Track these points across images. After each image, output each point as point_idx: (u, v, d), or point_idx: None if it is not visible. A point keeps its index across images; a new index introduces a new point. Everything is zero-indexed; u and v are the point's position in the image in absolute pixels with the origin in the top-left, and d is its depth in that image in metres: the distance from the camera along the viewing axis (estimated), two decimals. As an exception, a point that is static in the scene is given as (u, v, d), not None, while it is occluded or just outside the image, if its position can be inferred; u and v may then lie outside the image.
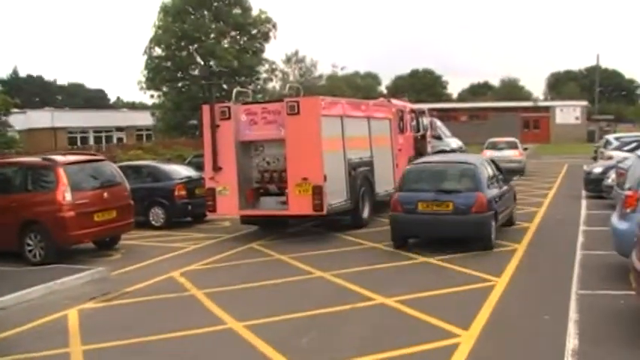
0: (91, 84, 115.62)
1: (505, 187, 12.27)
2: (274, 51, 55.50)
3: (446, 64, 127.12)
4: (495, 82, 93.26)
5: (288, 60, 53.87)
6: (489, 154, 22.95)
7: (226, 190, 13.03)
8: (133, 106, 73.41)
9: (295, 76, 53.51)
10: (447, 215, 10.54)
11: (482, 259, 10.32)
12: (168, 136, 40.34)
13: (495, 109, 61.23)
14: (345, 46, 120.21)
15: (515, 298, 8.07)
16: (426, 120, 20.40)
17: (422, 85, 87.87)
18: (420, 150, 18.76)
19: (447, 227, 10.58)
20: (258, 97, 41.60)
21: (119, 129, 50.61)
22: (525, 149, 26.28)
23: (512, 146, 25.82)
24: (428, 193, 10.74)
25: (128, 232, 12.99)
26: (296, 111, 12.35)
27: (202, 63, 37.81)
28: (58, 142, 42.34)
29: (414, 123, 18.89)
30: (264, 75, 43.53)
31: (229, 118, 13.03)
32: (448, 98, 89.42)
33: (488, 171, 11.69)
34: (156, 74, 39.32)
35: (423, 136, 19.47)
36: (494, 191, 11.24)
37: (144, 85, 40.48)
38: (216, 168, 13.09)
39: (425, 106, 23.60)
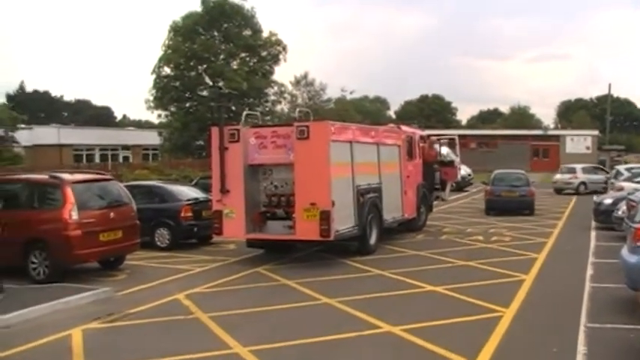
0: (98, 101, 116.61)
1: None
2: (283, 73, 56.19)
3: (455, 90, 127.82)
4: (505, 109, 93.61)
5: (297, 82, 54.36)
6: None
7: (233, 212, 13.14)
8: (140, 125, 74.02)
9: (304, 99, 53.91)
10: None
11: (489, 289, 10.39)
12: (174, 156, 40.64)
13: (505, 136, 61.34)
14: (353, 70, 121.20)
15: (523, 329, 8.11)
16: (446, 148, 20.82)
17: (431, 110, 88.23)
18: (431, 177, 18.94)
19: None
20: (267, 120, 42.00)
21: (125, 147, 50.95)
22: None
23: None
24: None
25: (133, 253, 13.10)
26: (305, 135, 12.50)
27: (211, 84, 38.22)
28: (63, 158, 42.64)
29: (438, 150, 19.34)
30: (273, 97, 43.97)
31: (238, 140, 13.20)
32: (457, 125, 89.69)
33: None
34: (164, 93, 39.82)
35: (444, 163, 19.80)
36: None
37: (152, 104, 40.96)
38: (224, 190, 13.22)
39: (452, 133, 23.92)
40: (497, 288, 10.50)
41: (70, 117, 79.31)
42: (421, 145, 18.70)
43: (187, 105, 40.97)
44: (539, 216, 22.01)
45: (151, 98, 40.58)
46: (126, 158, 49.65)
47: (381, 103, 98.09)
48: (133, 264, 13.21)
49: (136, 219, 12.68)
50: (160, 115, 42.26)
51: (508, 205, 22.57)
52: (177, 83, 40.29)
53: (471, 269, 12.31)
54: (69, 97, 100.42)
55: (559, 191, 32.54)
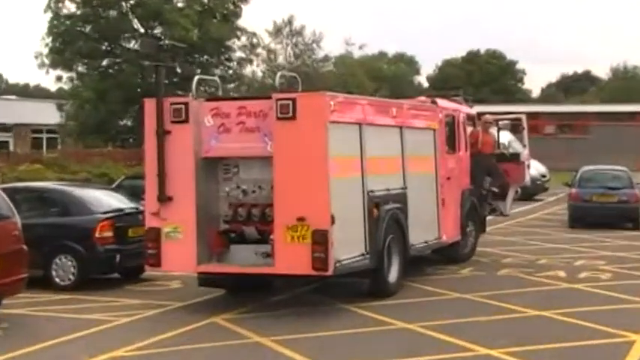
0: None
1: None
2: (256, 16, 55.37)
3: (522, 45, 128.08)
4: (602, 73, 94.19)
5: (277, 31, 54.37)
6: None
7: (178, 232, 13.20)
8: (27, 93, 73.85)
9: (288, 56, 53.97)
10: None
11: (577, 355, 10.54)
12: (84, 142, 40.58)
13: (601, 115, 61.60)
14: (364, 11, 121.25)
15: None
16: (507, 135, 20.89)
17: (484, 75, 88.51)
18: (483, 179, 19.09)
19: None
20: (231, 89, 41.93)
21: (3, 128, 50.87)
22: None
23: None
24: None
25: (15, 295, 13.10)
26: (290, 114, 12.56)
27: (142, 30, 38.23)
28: None
29: (496, 137, 19.60)
30: (240, 54, 43.89)
31: (186, 120, 13.24)
32: (526, 97, 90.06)
33: None
34: (66, 44, 39.71)
35: (505, 158, 19.96)
36: None
37: (45, 61, 40.79)
38: (164, 197, 13.27)
39: (518, 111, 24.08)
40: (590, 354, 10.61)
41: None
42: (469, 129, 18.82)
43: (104, 63, 40.89)
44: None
45: (45, 51, 40.49)
46: (3, 145, 49.53)
47: (407, 63, 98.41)
48: (14, 313, 13.20)
49: (22, 242, 12.72)
50: (59, 79, 42.16)
51: (602, 214, 23.49)
52: (88, 28, 40.22)
53: (548, 323, 12.40)
54: None
55: None
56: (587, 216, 24.29)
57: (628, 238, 21.72)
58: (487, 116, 20.03)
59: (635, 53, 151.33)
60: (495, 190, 19.63)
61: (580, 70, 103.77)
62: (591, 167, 26.96)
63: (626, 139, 55.65)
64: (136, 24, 39.14)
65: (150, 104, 13.57)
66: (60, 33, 39.81)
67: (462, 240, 18.01)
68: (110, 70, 40.53)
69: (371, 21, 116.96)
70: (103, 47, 40.78)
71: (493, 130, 20.05)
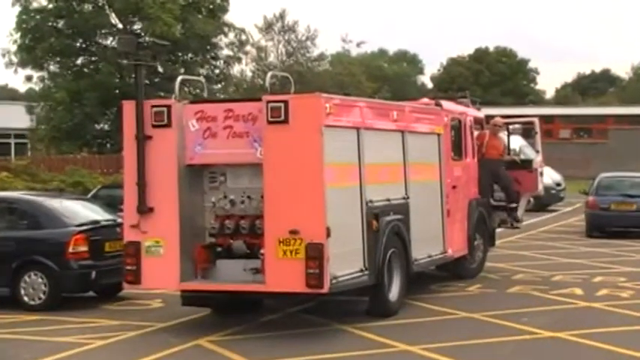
0: None
1: None
2: (245, 11, 55.35)
3: (535, 42, 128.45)
4: (622, 72, 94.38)
5: (268, 27, 54.40)
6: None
7: (159, 246, 13.19)
8: (-7, 94, 73.78)
9: (280, 54, 53.99)
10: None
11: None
12: (57, 148, 40.52)
13: (621, 118, 61.73)
14: (363, 8, 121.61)
15: None
16: (519, 139, 20.99)
17: (494, 75, 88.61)
18: (492, 188, 19.14)
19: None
20: (217, 90, 41.80)
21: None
22: None
23: None
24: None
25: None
26: (282, 117, 12.58)
27: (121, 26, 38.21)
28: None
29: (506, 142, 19.73)
30: (228, 52, 43.89)
31: (169, 124, 13.26)
32: (539, 98, 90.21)
33: None
34: (37, 41, 39.70)
35: (516, 165, 19.97)
36: None
37: (14, 59, 40.75)
38: (144, 209, 13.28)
39: (530, 113, 24.21)
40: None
41: None
42: (477, 133, 18.88)
43: (79, 62, 40.88)
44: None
45: (13, 48, 40.46)
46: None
47: (409, 62, 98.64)
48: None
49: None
50: (29, 79, 42.16)
51: (620, 223, 24.97)
52: (61, 23, 40.24)
53: (562, 346, 12.45)
54: None
55: None
56: (606, 225, 25.82)
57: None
58: (497, 119, 19.97)
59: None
60: (504, 201, 19.60)
61: (598, 70, 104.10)
62: (609, 174, 28.09)
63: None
64: (114, 19, 39.16)
65: (129, 107, 13.58)
66: (30, 29, 39.77)
67: (469, 254, 18.04)
68: (85, 70, 40.52)
69: (370, 16, 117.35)
70: (78, 44, 40.76)
71: (502, 135, 20.06)
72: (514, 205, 19.69)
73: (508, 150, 20.23)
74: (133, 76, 14.46)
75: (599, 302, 15.70)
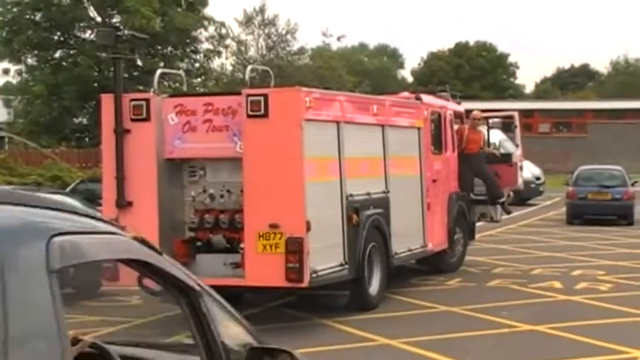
0: None
1: None
2: (226, 5, 55.23)
3: (515, 36, 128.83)
4: (601, 67, 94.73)
5: (248, 21, 54.31)
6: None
7: (138, 241, 13.20)
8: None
9: (260, 48, 53.91)
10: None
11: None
12: (35, 141, 40.30)
13: (600, 112, 61.98)
14: (344, 1, 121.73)
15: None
16: (499, 133, 21.13)
17: (474, 69, 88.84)
18: (472, 181, 19.21)
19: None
20: (197, 84, 41.73)
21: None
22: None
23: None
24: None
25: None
26: (262, 111, 12.59)
27: (99, 19, 38.07)
28: None
29: (486, 136, 19.80)
30: (207, 45, 43.80)
31: (148, 118, 13.25)
32: (518, 92, 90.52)
33: None
34: (14, 33, 39.49)
35: (496, 159, 19.98)
36: None
37: (-8, 52, 40.52)
38: (123, 203, 13.27)
39: (510, 108, 24.32)
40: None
41: None
42: (457, 127, 18.92)
43: (57, 55, 40.71)
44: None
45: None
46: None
47: (390, 56, 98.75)
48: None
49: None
50: (6, 72, 41.95)
51: (597, 211, 27.81)
52: (38, 16, 40.05)
53: (542, 339, 12.52)
54: None
55: None
56: (583, 213, 28.16)
57: (629, 246, 21.90)
58: (476, 112, 20.03)
59: (638, 46, 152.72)
60: (483, 195, 19.66)
61: (577, 64, 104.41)
62: (588, 167, 30.34)
63: (626, 139, 55.97)
64: (92, 12, 38.96)
65: (107, 100, 13.56)
66: (7, 21, 39.57)
67: (449, 248, 18.10)
68: (63, 63, 40.30)
69: (350, 10, 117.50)
70: (56, 37, 40.56)
71: (482, 128, 20.09)
72: (502, 199, 19.83)
73: (488, 144, 20.28)
74: (112, 69, 14.41)
75: (578, 295, 15.79)
